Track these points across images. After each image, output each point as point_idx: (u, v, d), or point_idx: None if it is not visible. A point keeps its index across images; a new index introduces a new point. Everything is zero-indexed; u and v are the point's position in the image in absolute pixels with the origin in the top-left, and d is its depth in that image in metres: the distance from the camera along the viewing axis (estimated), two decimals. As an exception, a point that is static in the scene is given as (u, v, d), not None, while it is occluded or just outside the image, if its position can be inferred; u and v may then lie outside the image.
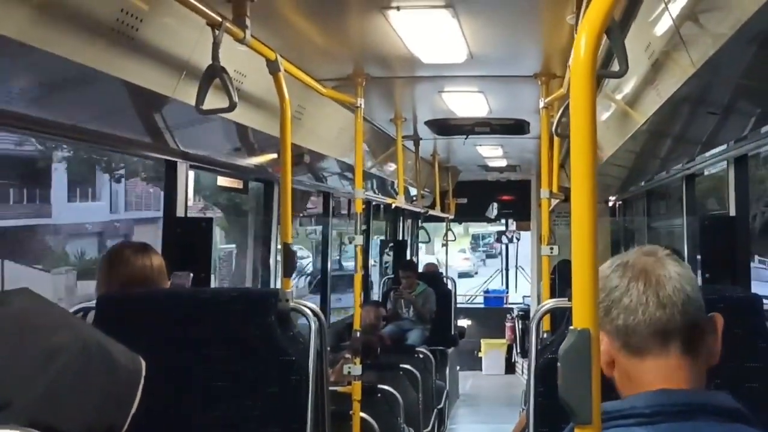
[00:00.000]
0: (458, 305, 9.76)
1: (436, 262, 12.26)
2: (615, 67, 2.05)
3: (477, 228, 30.57)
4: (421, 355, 6.62)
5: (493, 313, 12.64)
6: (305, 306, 2.53)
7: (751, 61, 2.22)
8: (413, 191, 7.89)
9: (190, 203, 3.60)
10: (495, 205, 11.44)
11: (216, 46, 2.41)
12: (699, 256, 3.62)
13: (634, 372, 1.27)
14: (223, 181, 4.33)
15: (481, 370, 11.94)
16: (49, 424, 1.09)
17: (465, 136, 6.32)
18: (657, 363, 1.26)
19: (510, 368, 11.94)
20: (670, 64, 2.62)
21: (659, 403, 1.22)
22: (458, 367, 10.00)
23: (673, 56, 2.53)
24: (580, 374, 0.99)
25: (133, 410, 1.20)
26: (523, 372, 11.04)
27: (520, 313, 11.56)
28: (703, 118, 3.10)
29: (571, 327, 1.01)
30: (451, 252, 12.43)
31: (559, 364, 1.00)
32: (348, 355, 4.27)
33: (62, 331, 1.18)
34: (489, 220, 12.72)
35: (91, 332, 1.24)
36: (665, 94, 2.84)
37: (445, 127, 6.05)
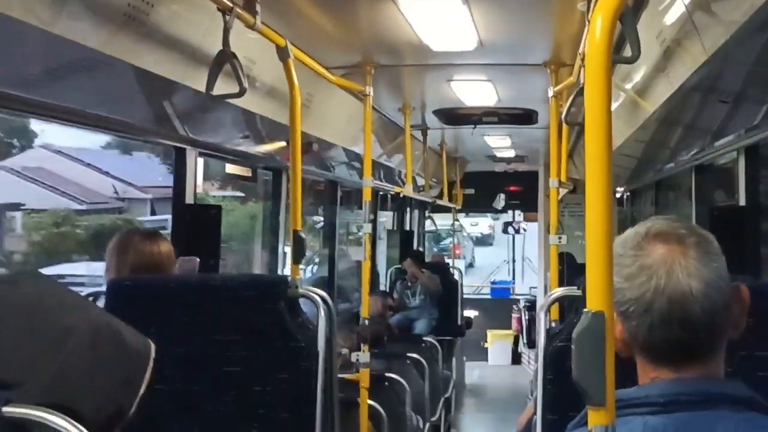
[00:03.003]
0: (465, 296, 9.78)
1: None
2: (627, 53, 2.04)
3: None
4: (428, 345, 6.62)
5: (499, 304, 12.65)
6: (314, 292, 2.54)
7: (764, 49, 2.21)
8: (421, 181, 7.88)
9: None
10: (502, 195, 11.44)
11: (226, 31, 2.41)
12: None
13: (650, 371, 1.25)
14: (231, 168, 4.33)
15: (487, 360, 11.96)
16: (59, 404, 1.10)
17: (473, 126, 6.31)
18: (675, 371, 1.23)
19: (516, 359, 11.96)
20: (682, 51, 2.60)
21: (674, 392, 1.20)
22: (464, 358, 10.02)
23: (685, 44, 2.52)
24: (594, 356, 0.99)
25: (141, 392, 1.21)
26: (529, 363, 11.06)
27: (527, 304, 11.57)
28: (714, 107, 3.08)
29: (585, 309, 1.01)
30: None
31: (572, 346, 1.00)
32: (344, 351, 4.20)
33: (73, 313, 1.19)
34: (496, 211, 12.72)
35: (101, 314, 1.25)
36: (676, 82, 2.82)
37: (453, 116, 6.04)
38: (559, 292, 2.66)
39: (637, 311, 1.21)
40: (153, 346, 1.26)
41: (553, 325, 3.24)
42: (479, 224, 23.83)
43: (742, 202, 3.52)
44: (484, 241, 24.83)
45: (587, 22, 2.66)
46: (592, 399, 0.98)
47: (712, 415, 1.19)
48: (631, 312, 1.21)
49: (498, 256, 17.87)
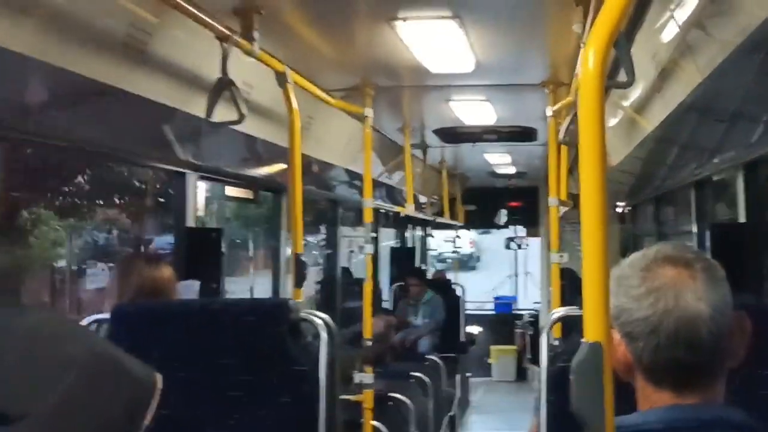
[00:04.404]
0: (467, 311, 9.75)
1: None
2: (622, 76, 2.06)
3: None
4: (431, 363, 6.60)
5: (502, 320, 12.60)
6: (316, 316, 2.54)
7: (759, 69, 2.22)
8: (422, 199, 7.89)
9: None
10: (504, 211, 11.43)
11: (224, 59, 2.43)
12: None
13: (650, 394, 1.25)
14: (232, 191, 4.34)
15: (491, 376, 11.90)
16: None
17: (472, 144, 6.33)
18: (676, 395, 1.23)
19: (521, 374, 11.90)
20: (677, 72, 2.62)
21: (672, 419, 1.21)
22: (469, 374, 9.98)
23: (680, 64, 2.54)
24: (592, 387, 0.99)
25: (146, 422, 1.21)
26: (533, 378, 11.01)
27: (530, 319, 11.52)
28: (712, 126, 3.10)
29: (583, 340, 1.01)
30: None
31: (571, 377, 1.01)
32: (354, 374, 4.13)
33: (74, 343, 1.19)
34: (498, 227, 12.71)
35: (103, 344, 1.25)
36: (672, 102, 2.84)
37: (452, 135, 6.07)
38: (560, 312, 2.65)
39: (644, 332, 1.21)
40: (160, 378, 1.26)
41: (556, 343, 3.24)
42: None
43: (743, 218, 3.52)
44: (463, 264, 16.56)
45: (582, 44, 2.68)
46: (592, 430, 0.99)
47: None
48: (637, 333, 1.22)
49: (484, 286, 15.19)
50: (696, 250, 1.30)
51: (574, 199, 5.13)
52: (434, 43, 3.29)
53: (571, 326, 3.04)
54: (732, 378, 1.31)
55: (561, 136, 3.81)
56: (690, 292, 1.21)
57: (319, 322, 2.52)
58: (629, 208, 7.16)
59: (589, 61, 1.06)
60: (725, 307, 1.22)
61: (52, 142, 2.66)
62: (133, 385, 1.20)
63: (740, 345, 1.26)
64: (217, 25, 2.37)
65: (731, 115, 2.85)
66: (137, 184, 7.27)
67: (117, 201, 7.57)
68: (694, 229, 4.29)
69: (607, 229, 1.04)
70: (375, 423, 3.94)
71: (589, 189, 1.03)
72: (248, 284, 9.35)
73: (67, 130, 2.59)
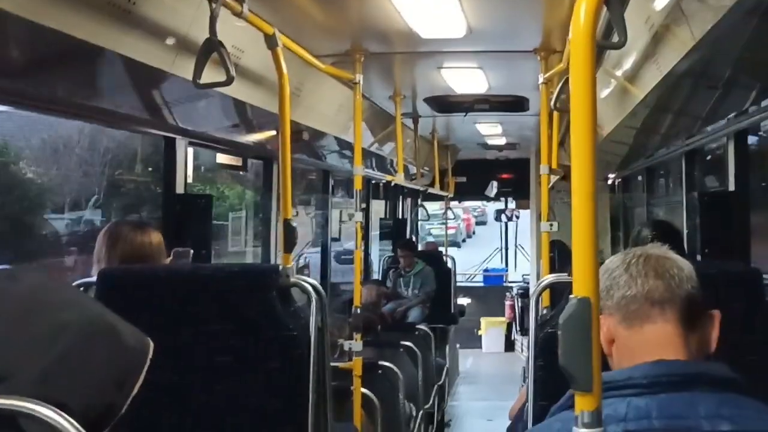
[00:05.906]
0: (458, 283, 9.79)
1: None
2: (615, 39, 2.03)
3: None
4: (421, 333, 6.63)
5: (492, 292, 12.68)
6: (306, 282, 2.53)
7: (752, 34, 2.21)
8: (412, 169, 7.88)
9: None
10: (494, 183, 11.45)
11: (213, 19, 2.38)
12: (699, 233, 3.63)
13: (634, 343, 1.29)
14: (222, 158, 4.32)
15: (480, 348, 12.00)
16: (49, 398, 1.09)
17: (464, 114, 6.30)
18: (656, 331, 1.28)
19: (509, 346, 12.00)
20: (670, 37, 2.60)
21: (656, 374, 1.23)
22: (458, 345, 10.04)
23: (673, 29, 2.52)
24: (580, 342, 0.99)
25: (135, 391, 1.20)
26: (522, 350, 11.09)
27: (520, 291, 11.58)
28: (703, 93, 3.09)
29: (571, 296, 1.01)
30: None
31: (559, 332, 1.01)
32: (339, 342, 4.12)
33: (69, 309, 1.19)
34: (488, 198, 12.73)
35: (99, 311, 1.24)
36: (665, 68, 2.82)
37: (444, 104, 6.03)
38: (549, 278, 2.66)
39: (617, 277, 1.33)
40: (151, 345, 1.25)
41: (545, 312, 3.25)
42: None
43: (732, 187, 3.53)
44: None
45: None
46: (579, 385, 0.99)
47: (694, 396, 1.21)
48: (611, 283, 1.33)
49: (510, 228, 15.55)
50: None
51: (564, 170, 5.13)
52: (426, 7, 3.25)
53: (560, 297, 3.06)
54: (717, 344, 1.32)
55: (552, 103, 3.79)
56: (658, 252, 1.36)
57: (309, 288, 2.52)
58: (620, 179, 7.17)
59: (581, 17, 1.05)
60: (691, 272, 1.34)
61: (36, 104, 2.62)
62: (126, 355, 1.20)
63: (712, 334, 1.34)
64: (205, -15, 2.33)
65: (723, 82, 2.84)
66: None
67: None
68: (684, 198, 4.30)
69: (597, 188, 1.04)
70: (364, 390, 3.96)
71: (581, 146, 1.02)
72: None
73: (51, 92, 2.55)
